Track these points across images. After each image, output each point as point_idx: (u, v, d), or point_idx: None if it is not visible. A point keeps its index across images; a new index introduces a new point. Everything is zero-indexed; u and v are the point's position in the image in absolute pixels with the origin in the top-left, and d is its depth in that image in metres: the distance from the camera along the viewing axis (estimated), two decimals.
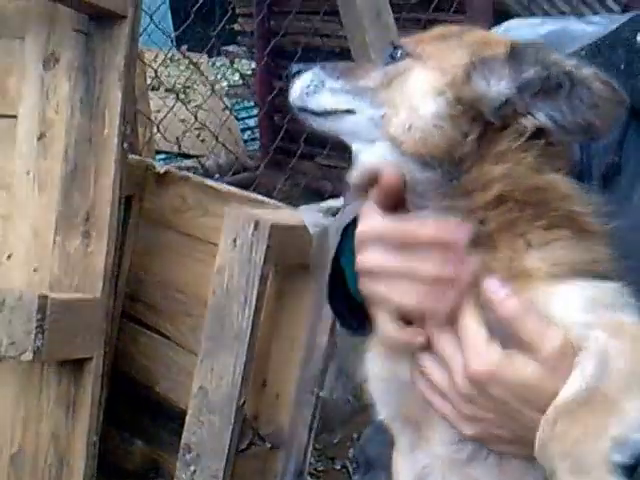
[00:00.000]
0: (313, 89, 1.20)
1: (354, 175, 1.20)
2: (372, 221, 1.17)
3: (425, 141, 1.11)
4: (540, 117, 1.11)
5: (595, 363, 1.02)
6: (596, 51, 1.26)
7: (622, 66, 1.22)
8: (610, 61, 1.21)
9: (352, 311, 1.35)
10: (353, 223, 1.33)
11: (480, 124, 1.12)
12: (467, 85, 1.13)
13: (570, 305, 1.07)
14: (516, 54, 1.13)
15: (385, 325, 1.16)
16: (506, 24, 1.51)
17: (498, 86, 1.13)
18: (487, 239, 1.10)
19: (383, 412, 1.25)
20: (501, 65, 1.13)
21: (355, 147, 1.20)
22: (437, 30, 1.21)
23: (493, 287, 1.08)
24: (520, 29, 1.45)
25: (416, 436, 1.22)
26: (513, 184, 1.10)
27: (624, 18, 1.33)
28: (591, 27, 1.37)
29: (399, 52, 1.19)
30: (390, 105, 1.15)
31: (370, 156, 1.16)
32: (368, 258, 1.16)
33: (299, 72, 1.22)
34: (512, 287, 1.08)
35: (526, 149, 1.11)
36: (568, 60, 1.11)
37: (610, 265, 1.11)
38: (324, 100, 1.20)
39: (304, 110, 1.22)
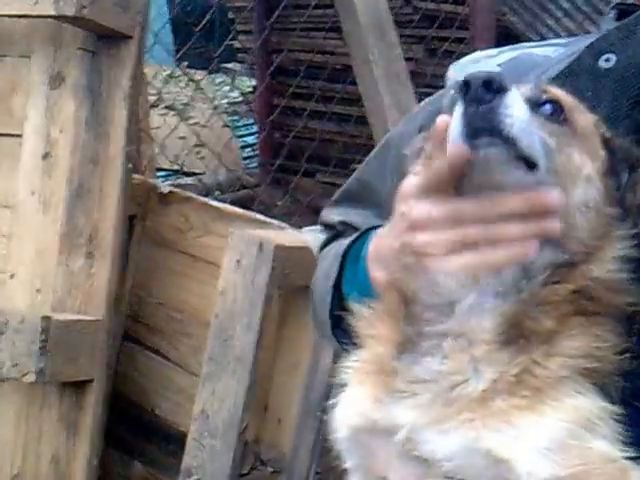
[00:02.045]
0: (518, 120, 0.96)
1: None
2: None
3: (571, 224, 1.03)
4: None
5: None
6: (562, 80, 1.23)
7: (588, 93, 1.21)
8: (576, 89, 1.18)
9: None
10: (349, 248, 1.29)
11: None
12: (612, 176, 1.10)
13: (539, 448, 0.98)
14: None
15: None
16: (469, 57, 1.48)
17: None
18: (536, 336, 1.03)
19: (349, 461, 1.14)
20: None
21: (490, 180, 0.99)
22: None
23: None
24: (479, 63, 1.41)
25: None
26: (595, 282, 1.05)
27: (586, 40, 1.32)
28: (555, 52, 1.35)
29: (555, 108, 1.06)
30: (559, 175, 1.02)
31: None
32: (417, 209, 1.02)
33: (501, 86, 0.95)
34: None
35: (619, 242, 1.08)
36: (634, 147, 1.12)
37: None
38: (526, 138, 0.97)
39: (495, 132, 0.95)
